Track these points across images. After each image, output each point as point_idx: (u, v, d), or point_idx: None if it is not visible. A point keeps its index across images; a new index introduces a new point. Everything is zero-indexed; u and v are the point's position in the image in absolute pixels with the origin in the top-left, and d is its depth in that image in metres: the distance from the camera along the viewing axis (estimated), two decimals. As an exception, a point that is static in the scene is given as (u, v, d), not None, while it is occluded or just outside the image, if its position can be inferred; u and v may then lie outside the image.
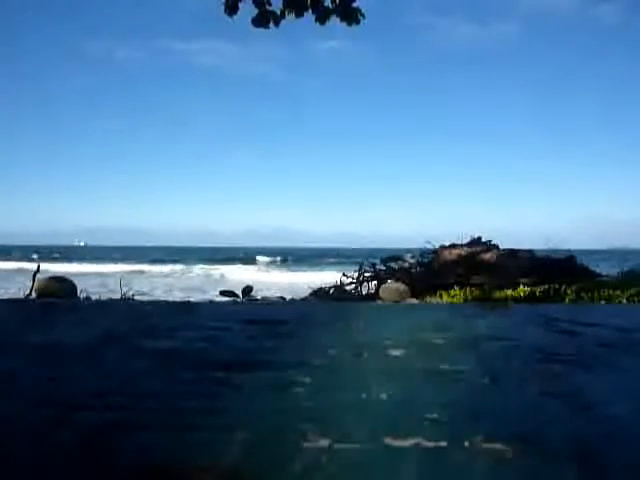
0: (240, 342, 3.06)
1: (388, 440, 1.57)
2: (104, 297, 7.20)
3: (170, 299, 9.43)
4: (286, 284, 17.81)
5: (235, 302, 7.13)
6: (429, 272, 9.32)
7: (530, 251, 9.79)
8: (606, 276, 9.39)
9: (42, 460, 1.45)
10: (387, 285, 8.14)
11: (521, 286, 7.85)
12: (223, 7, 4.57)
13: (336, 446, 1.53)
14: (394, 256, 10.30)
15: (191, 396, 2.02)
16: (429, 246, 10.07)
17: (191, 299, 7.63)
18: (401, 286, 7.85)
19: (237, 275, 27.32)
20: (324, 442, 1.55)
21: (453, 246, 9.75)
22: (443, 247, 9.84)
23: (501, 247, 9.70)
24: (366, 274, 9.86)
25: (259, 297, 7.81)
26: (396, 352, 2.77)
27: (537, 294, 7.37)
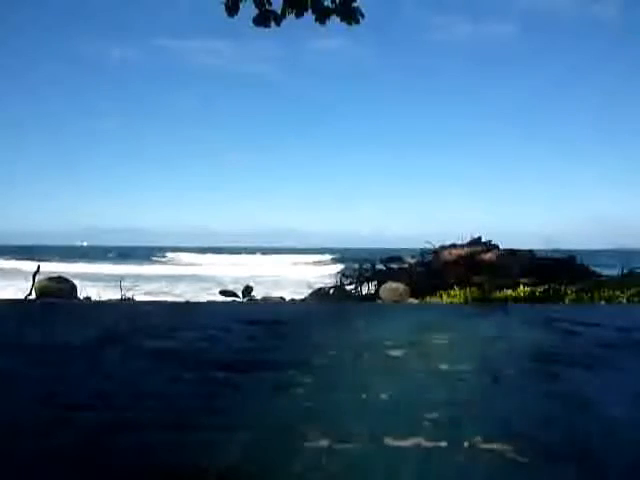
0: (240, 342, 3.06)
1: (388, 440, 1.57)
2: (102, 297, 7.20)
3: (170, 299, 9.43)
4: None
5: (235, 302, 7.13)
6: (429, 272, 9.31)
7: (530, 251, 9.79)
8: (606, 276, 9.39)
9: (42, 460, 1.45)
10: (387, 285, 8.14)
11: (521, 286, 7.84)
12: (223, 7, 4.57)
13: (336, 446, 1.53)
14: (394, 256, 10.30)
15: (191, 396, 2.02)
16: (429, 246, 10.06)
17: (191, 299, 7.63)
18: (401, 286, 7.85)
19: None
20: (324, 442, 1.55)
21: (453, 246, 9.74)
22: (443, 247, 9.83)
23: (501, 247, 9.70)
24: (366, 274, 9.86)
25: (259, 297, 7.81)
26: (396, 352, 2.76)
27: (537, 294, 7.36)
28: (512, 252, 9.52)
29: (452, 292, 7.85)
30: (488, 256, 9.16)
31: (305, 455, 1.46)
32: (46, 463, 1.43)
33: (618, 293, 7.06)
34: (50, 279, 7.28)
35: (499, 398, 2.03)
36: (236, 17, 4.62)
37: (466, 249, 9.46)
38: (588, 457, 1.47)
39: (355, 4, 4.65)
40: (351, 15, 4.62)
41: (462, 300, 7.30)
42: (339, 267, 11.12)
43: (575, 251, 9.98)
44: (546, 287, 7.68)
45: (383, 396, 2.01)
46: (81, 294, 7.34)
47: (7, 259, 36.05)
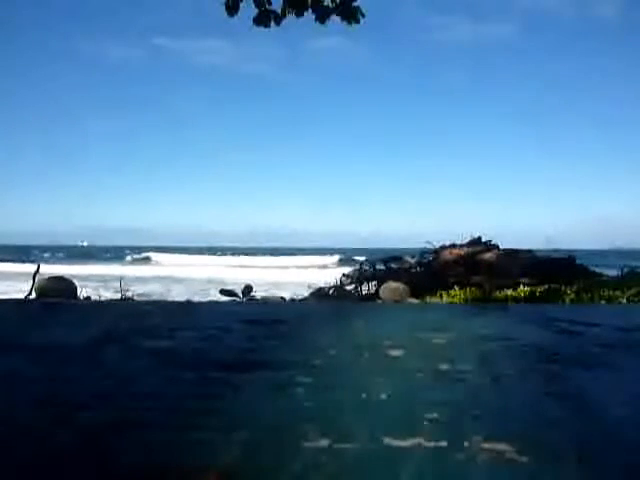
0: (240, 342, 3.06)
1: (388, 440, 1.57)
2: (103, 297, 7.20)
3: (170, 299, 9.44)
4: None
5: (235, 302, 7.13)
6: (429, 272, 9.32)
7: (530, 251, 9.81)
8: (606, 276, 9.40)
9: (42, 460, 1.45)
10: (387, 285, 8.13)
11: (521, 286, 7.85)
12: (223, 7, 4.57)
13: (336, 446, 1.53)
14: (394, 256, 10.31)
15: (191, 396, 2.02)
16: (429, 246, 10.08)
17: (191, 299, 7.63)
18: (401, 286, 7.84)
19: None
20: (324, 442, 1.55)
21: (453, 246, 9.75)
22: (443, 247, 9.85)
23: (501, 247, 9.71)
24: (366, 274, 9.86)
25: (259, 297, 7.81)
26: (396, 352, 2.76)
27: (537, 294, 7.36)
28: (512, 252, 9.54)
29: (452, 292, 7.86)
30: (488, 256, 9.17)
31: (305, 455, 1.46)
32: (46, 463, 1.43)
33: (618, 293, 7.06)
34: (50, 279, 7.26)
35: (499, 398, 2.03)
36: (236, 17, 4.62)
37: (466, 249, 9.48)
38: (588, 457, 1.47)
39: (355, 4, 4.64)
40: (351, 15, 4.62)
41: (462, 300, 7.30)
42: (343, 270, 11.34)
43: (575, 251, 10.00)
44: (546, 287, 7.69)
45: (383, 396, 2.01)
46: (81, 294, 7.33)
47: (5, 259, 36.23)
